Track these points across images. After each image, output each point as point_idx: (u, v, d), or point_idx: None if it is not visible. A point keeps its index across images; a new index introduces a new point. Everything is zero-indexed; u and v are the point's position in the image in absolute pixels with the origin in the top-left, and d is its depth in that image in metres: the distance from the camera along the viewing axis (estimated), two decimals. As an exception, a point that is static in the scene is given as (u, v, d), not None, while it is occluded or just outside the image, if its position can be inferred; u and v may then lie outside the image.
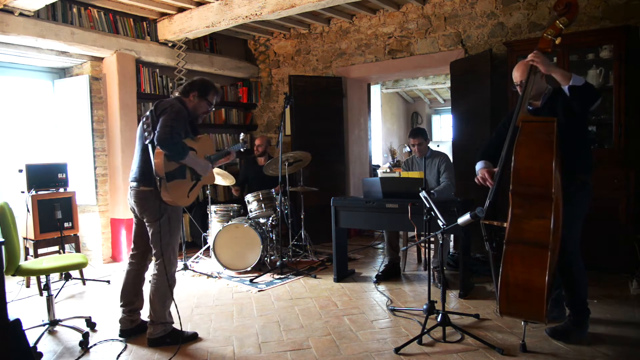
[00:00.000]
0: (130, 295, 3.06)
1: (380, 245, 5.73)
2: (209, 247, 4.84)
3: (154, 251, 2.93)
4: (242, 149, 3.56)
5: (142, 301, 3.13)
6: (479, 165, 3.02)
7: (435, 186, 4.32)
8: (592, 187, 2.86)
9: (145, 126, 2.85)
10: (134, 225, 3.07)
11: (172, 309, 3.02)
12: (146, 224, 2.92)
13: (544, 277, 2.45)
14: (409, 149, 4.45)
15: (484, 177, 2.90)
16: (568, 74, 2.61)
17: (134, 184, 2.90)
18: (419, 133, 4.38)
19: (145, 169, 2.85)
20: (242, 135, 3.74)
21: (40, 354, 2.82)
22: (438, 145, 4.10)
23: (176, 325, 3.03)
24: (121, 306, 3.07)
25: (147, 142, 2.79)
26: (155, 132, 2.70)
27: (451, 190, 4.22)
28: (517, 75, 2.89)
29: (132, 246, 3.10)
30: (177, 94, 3.03)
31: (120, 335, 3.04)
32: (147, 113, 2.87)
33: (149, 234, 2.92)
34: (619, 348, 2.70)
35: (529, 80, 2.73)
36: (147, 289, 3.02)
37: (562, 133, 2.58)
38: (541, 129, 2.60)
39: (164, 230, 2.85)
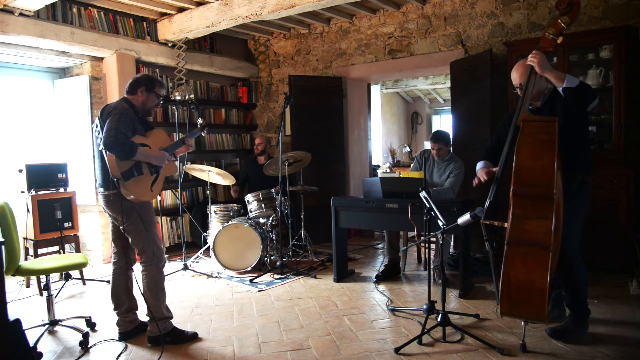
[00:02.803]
0: (121, 296, 3.06)
1: (380, 245, 5.73)
2: (209, 247, 4.84)
3: (136, 250, 2.97)
4: (202, 134, 3.55)
5: (134, 301, 3.13)
6: (479, 165, 3.02)
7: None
8: (592, 186, 2.86)
9: (97, 134, 2.89)
10: (110, 225, 3.10)
11: (171, 308, 3.03)
12: (120, 226, 2.96)
13: (545, 277, 2.45)
14: (409, 149, 4.43)
15: (481, 175, 2.91)
16: (562, 76, 2.59)
17: (100, 189, 2.96)
18: (439, 139, 4.28)
19: (104, 174, 2.90)
20: (200, 120, 3.72)
21: (40, 354, 2.82)
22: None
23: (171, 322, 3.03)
24: (114, 309, 3.08)
25: (100, 148, 2.83)
26: (102, 135, 2.75)
27: (450, 194, 4.20)
28: (515, 76, 2.89)
29: (113, 245, 3.13)
30: (123, 96, 3.05)
31: (120, 339, 3.04)
32: (96, 121, 2.91)
33: (127, 235, 2.95)
34: (619, 348, 2.70)
35: (530, 80, 2.72)
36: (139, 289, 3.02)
37: (561, 132, 2.57)
38: (542, 128, 2.60)
39: (139, 228, 2.90)
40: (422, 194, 3.03)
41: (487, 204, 2.73)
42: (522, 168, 2.57)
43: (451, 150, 4.47)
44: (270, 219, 4.81)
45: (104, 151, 2.80)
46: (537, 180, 2.53)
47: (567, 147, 2.66)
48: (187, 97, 5.41)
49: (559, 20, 2.66)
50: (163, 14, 5.46)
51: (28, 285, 4.35)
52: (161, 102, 3.15)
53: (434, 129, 13.37)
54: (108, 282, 4.37)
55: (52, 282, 3.19)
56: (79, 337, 3.00)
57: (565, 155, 2.66)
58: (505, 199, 2.71)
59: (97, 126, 2.90)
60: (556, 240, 2.53)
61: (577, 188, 2.79)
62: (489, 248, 2.81)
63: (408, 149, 4.24)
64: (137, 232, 2.91)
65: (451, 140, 4.52)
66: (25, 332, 2.53)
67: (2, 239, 2.66)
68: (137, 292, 3.07)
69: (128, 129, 2.81)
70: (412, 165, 4.71)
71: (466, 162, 4.39)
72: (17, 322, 2.46)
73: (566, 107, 2.71)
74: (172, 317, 3.03)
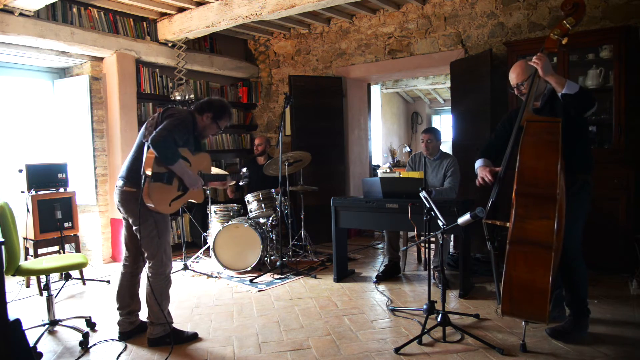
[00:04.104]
0: (126, 298, 3.05)
1: (380, 245, 5.73)
2: (209, 247, 4.84)
3: (145, 254, 2.92)
4: (240, 183, 3.56)
5: (138, 303, 3.12)
6: (478, 163, 3.02)
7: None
8: (593, 186, 2.86)
9: (148, 126, 2.87)
10: (122, 228, 3.07)
11: (171, 308, 3.02)
12: (133, 226, 2.93)
13: (547, 278, 2.44)
14: (409, 149, 4.44)
15: (485, 175, 2.89)
16: (563, 81, 2.61)
17: (120, 182, 2.90)
18: (431, 131, 4.41)
19: (133, 166, 2.85)
20: (244, 169, 3.71)
21: (40, 354, 2.82)
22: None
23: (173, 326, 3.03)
24: (118, 309, 3.07)
25: (144, 140, 2.80)
26: (154, 132, 2.72)
27: (452, 195, 4.21)
28: (513, 76, 2.90)
29: (124, 249, 3.08)
30: (192, 108, 3.05)
31: (119, 338, 3.04)
32: (155, 114, 2.89)
33: (139, 237, 2.90)
34: (619, 348, 2.70)
35: (534, 81, 2.73)
36: (143, 291, 3.02)
37: (562, 132, 2.58)
38: (546, 129, 2.60)
39: (152, 233, 2.86)
40: (422, 194, 3.02)
41: (489, 203, 2.73)
42: (526, 168, 2.57)
43: (441, 148, 4.46)
44: (270, 219, 4.81)
45: (145, 146, 2.76)
46: (540, 180, 2.53)
47: (568, 147, 2.67)
48: (187, 97, 5.42)
49: (564, 22, 2.67)
50: (163, 14, 5.46)
51: (28, 285, 4.35)
52: (220, 132, 3.11)
53: (434, 129, 13.40)
54: (108, 282, 4.42)
55: (52, 282, 3.19)
56: (79, 337, 2.99)
57: (566, 155, 2.66)
58: (506, 199, 2.71)
59: (153, 119, 2.87)
60: (558, 240, 2.53)
61: (579, 188, 2.79)
62: (491, 248, 2.81)
63: (408, 149, 4.24)
64: (149, 237, 2.86)
65: (441, 139, 4.50)
66: (25, 332, 2.53)
67: (2, 239, 2.65)
68: (141, 294, 3.06)
69: (180, 138, 2.79)
70: (406, 168, 4.72)
71: (466, 162, 4.38)
72: (17, 322, 2.45)
73: (566, 108, 2.72)
74: (172, 323, 3.01)
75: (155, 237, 2.87)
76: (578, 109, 2.63)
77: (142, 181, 2.74)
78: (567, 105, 2.63)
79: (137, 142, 2.94)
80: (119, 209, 2.98)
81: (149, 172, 2.73)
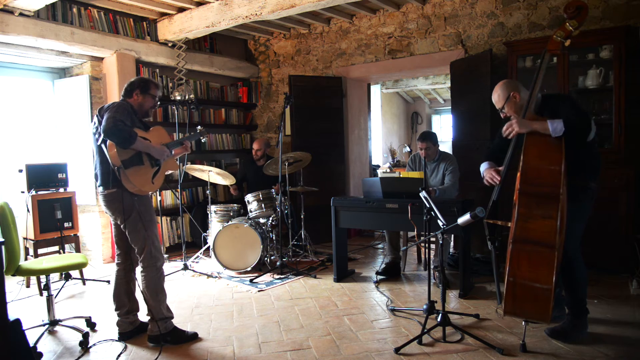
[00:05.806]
0: (123, 298, 3.07)
1: (380, 245, 5.73)
2: (209, 247, 4.84)
3: (135, 249, 2.96)
4: (202, 139, 3.62)
5: (136, 303, 3.13)
6: (483, 166, 3.01)
7: None
8: (597, 190, 2.82)
9: (95, 131, 2.92)
10: (112, 227, 3.10)
11: (171, 308, 3.03)
12: (120, 225, 2.96)
13: (551, 277, 2.45)
14: (409, 149, 4.43)
15: (492, 176, 2.89)
16: (546, 126, 2.57)
17: (100, 188, 2.95)
18: (427, 137, 4.27)
19: (105, 170, 2.89)
20: (198, 127, 3.78)
21: (40, 354, 2.82)
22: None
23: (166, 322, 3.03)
24: (115, 310, 3.08)
25: (99, 143, 2.85)
26: (101, 127, 2.77)
27: (453, 192, 4.20)
28: (495, 100, 2.96)
29: (116, 247, 3.13)
30: (120, 99, 3.09)
31: (119, 339, 3.04)
32: (94, 119, 2.94)
33: (127, 234, 2.95)
34: (619, 348, 2.70)
35: (541, 67, 2.72)
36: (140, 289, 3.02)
37: (565, 136, 2.57)
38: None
39: (138, 226, 2.90)
40: (422, 194, 3.02)
41: (490, 203, 2.74)
42: (530, 167, 2.57)
43: (439, 150, 4.44)
44: (270, 219, 4.81)
45: (103, 144, 2.81)
46: (544, 179, 2.54)
47: (571, 150, 2.65)
48: (187, 97, 5.41)
49: (567, 24, 2.70)
50: (163, 14, 5.46)
51: (28, 285, 4.35)
52: (158, 102, 3.17)
53: (433, 129, 13.42)
54: (108, 282, 4.42)
55: (52, 282, 3.20)
56: (79, 337, 3.00)
57: (568, 158, 2.64)
58: (506, 199, 2.71)
59: (94, 124, 2.92)
60: (561, 240, 2.54)
61: (582, 192, 2.77)
62: (492, 247, 2.81)
63: (408, 149, 4.23)
64: (135, 231, 2.91)
65: (439, 140, 4.46)
66: (25, 332, 2.53)
67: (2, 239, 2.66)
68: (139, 294, 3.07)
69: (127, 119, 2.83)
70: (406, 168, 4.72)
71: (467, 162, 4.39)
72: (17, 322, 2.46)
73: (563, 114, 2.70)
74: (172, 317, 3.03)
75: (142, 229, 2.91)
76: (578, 137, 2.62)
77: (118, 176, 2.80)
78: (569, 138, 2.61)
79: (95, 150, 2.97)
80: (106, 212, 3.02)
81: (119, 164, 2.78)
